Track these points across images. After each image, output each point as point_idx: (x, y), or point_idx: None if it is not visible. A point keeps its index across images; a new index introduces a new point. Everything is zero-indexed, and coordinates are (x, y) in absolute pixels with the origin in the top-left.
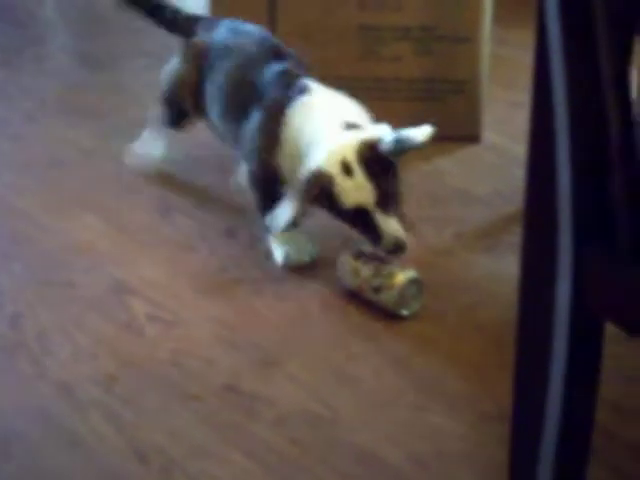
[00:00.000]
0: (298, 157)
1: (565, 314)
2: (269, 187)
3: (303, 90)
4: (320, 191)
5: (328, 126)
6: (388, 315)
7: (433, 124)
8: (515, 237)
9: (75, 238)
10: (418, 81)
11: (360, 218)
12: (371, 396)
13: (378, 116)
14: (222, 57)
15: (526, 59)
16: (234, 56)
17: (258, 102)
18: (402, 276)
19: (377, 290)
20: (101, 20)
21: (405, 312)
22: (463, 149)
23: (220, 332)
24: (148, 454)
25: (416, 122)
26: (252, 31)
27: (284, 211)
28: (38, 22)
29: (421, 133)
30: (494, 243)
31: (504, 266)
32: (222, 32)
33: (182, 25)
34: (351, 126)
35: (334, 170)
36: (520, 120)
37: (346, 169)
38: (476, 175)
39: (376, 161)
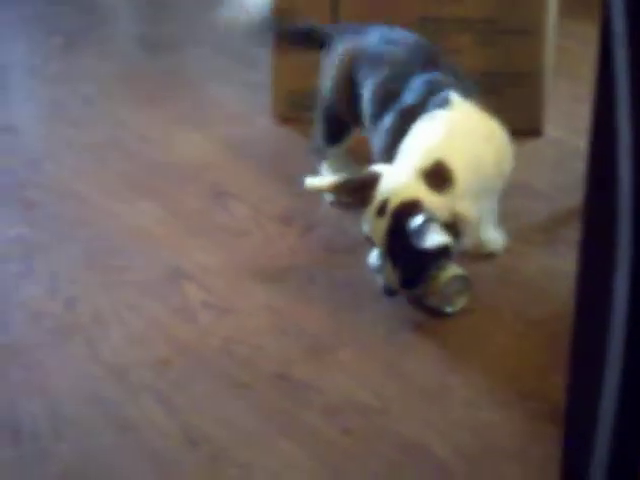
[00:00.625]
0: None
1: (622, 311)
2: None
3: (444, 102)
4: (356, 198)
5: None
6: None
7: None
8: (574, 232)
9: (131, 222)
10: (481, 73)
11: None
12: (421, 389)
13: None
14: (374, 65)
15: (592, 52)
16: (385, 64)
17: (396, 106)
18: (443, 275)
19: (423, 296)
20: (164, 5)
21: (449, 309)
22: (525, 142)
23: (272, 320)
24: (198, 440)
25: None
26: (405, 38)
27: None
28: (102, 7)
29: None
30: (552, 238)
31: (561, 261)
32: (373, 39)
33: (323, 39)
34: (435, 174)
35: (374, 199)
36: (584, 114)
37: (381, 208)
38: (537, 169)
39: (406, 228)
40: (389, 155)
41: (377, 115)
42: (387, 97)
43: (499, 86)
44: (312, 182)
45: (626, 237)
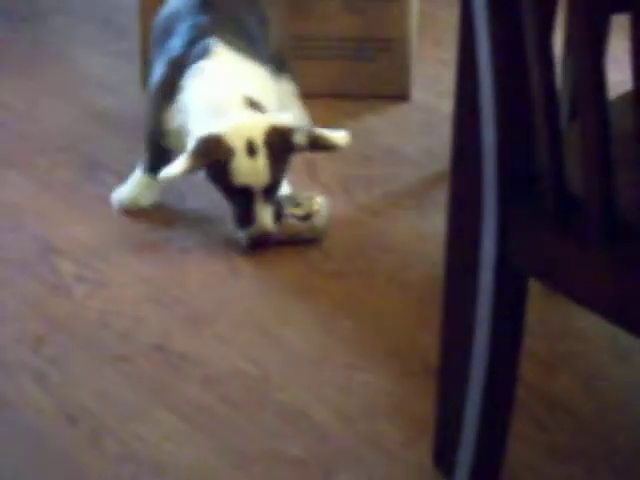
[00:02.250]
0: (187, 121)
1: (490, 272)
2: (155, 136)
3: (205, 51)
4: (215, 158)
5: (227, 98)
6: (316, 272)
7: (361, 83)
8: (443, 195)
9: (0, 198)
10: (347, 40)
11: (241, 198)
12: (299, 354)
13: (309, 75)
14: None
15: (453, 17)
16: (171, 5)
17: (165, 55)
18: (318, 198)
19: (306, 218)
20: None
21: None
22: (392, 108)
23: (149, 292)
24: (77, 416)
25: (345, 82)
26: None
27: (176, 165)
28: None
29: (338, 137)
30: (422, 202)
31: (432, 225)
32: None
33: None
34: (254, 105)
35: (237, 144)
36: (449, 78)
37: (250, 149)
38: (405, 134)
39: (281, 150)
40: (162, 111)
41: (153, 55)
42: (160, 38)
43: (367, 51)
44: (166, 174)
45: (492, 199)
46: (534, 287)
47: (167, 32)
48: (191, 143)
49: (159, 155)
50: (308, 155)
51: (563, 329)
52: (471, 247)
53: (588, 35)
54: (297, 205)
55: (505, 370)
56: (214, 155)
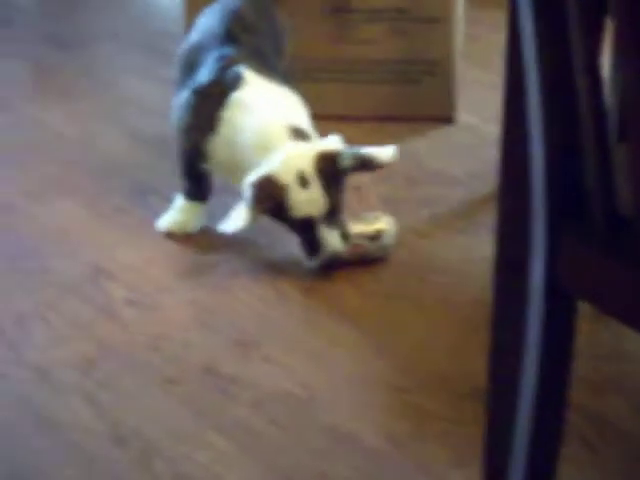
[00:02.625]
0: (235, 154)
1: (539, 295)
2: (193, 165)
3: (237, 80)
4: (272, 200)
5: (274, 130)
6: (363, 296)
7: (407, 106)
8: (490, 218)
9: (52, 223)
10: (392, 63)
11: (306, 228)
12: (349, 377)
13: (354, 98)
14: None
15: (501, 40)
16: (196, 32)
17: (191, 85)
18: (385, 217)
19: (375, 237)
20: (72, 1)
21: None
22: (438, 130)
23: (197, 315)
24: (127, 438)
25: (390, 104)
26: (221, 8)
27: (237, 217)
28: (9, 5)
29: (384, 154)
30: (469, 224)
31: (479, 247)
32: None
33: None
34: (299, 133)
35: (289, 180)
36: (495, 101)
37: (302, 180)
38: (451, 156)
39: (332, 175)
40: (201, 136)
41: (179, 84)
42: (187, 67)
43: (412, 74)
44: (229, 228)
45: (540, 222)
46: (583, 307)
47: (193, 63)
48: (246, 191)
49: (199, 182)
50: (355, 178)
51: (612, 351)
52: (520, 270)
53: (637, 51)
54: (367, 224)
55: (555, 394)
56: (270, 198)
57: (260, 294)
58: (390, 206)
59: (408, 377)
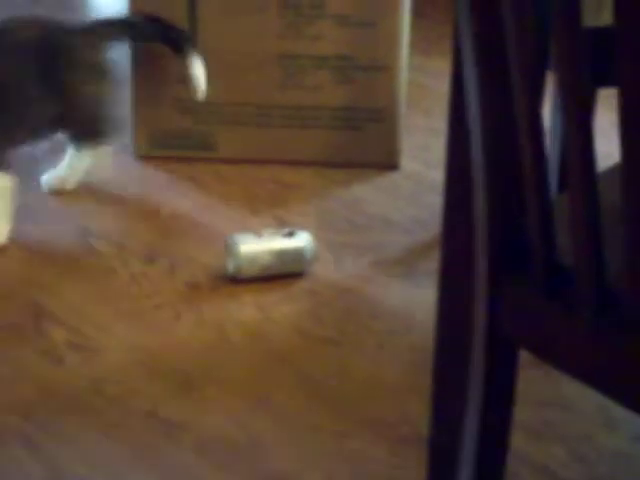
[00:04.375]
0: None
1: (481, 341)
2: None
3: None
4: None
5: None
6: (308, 339)
7: (351, 152)
8: (433, 264)
9: None
10: (337, 109)
11: None
12: (291, 421)
13: (298, 143)
14: None
15: (444, 87)
16: None
17: None
18: (302, 234)
19: (291, 233)
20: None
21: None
22: (382, 176)
23: (140, 358)
24: None
25: (336, 151)
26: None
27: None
28: None
29: None
30: (412, 270)
31: (421, 292)
32: None
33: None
34: None
35: None
36: (437, 148)
37: None
38: (394, 202)
39: None
40: None
41: None
42: None
43: (357, 121)
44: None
45: (483, 268)
46: (523, 354)
47: None
48: None
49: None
50: (296, 223)
51: (552, 397)
52: (462, 315)
53: (576, 110)
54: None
55: (496, 439)
56: None
57: (201, 337)
58: (333, 251)
59: (350, 422)
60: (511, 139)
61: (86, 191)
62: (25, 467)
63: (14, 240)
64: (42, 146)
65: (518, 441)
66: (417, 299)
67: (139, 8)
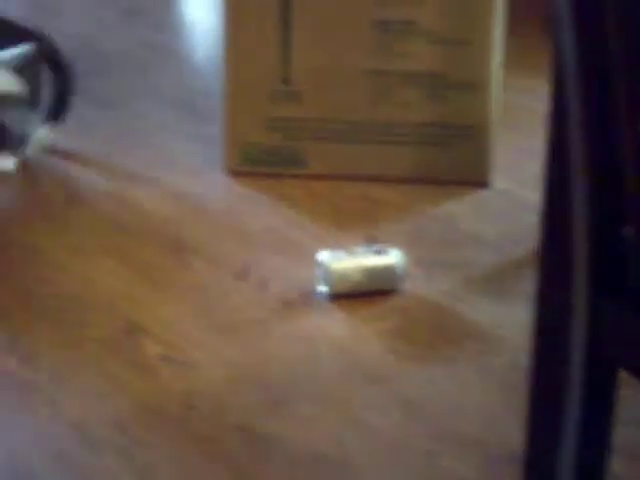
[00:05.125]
0: None
1: (579, 362)
2: None
3: None
4: None
5: None
6: (398, 357)
7: (442, 169)
8: (524, 282)
9: (89, 278)
10: (428, 126)
11: None
12: (382, 439)
13: (389, 160)
14: None
15: (534, 105)
16: None
17: None
18: (393, 251)
19: (381, 251)
20: (111, 60)
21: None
22: (473, 194)
23: (233, 373)
24: None
25: (426, 167)
26: None
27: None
28: None
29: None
30: (503, 288)
31: (512, 310)
32: None
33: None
34: None
35: None
36: (528, 165)
37: None
38: (486, 220)
39: None
40: None
41: None
42: None
43: (447, 138)
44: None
45: (582, 288)
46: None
47: None
48: None
49: None
50: (386, 240)
51: None
52: (559, 335)
53: None
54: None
55: (595, 462)
56: None
57: (294, 353)
58: (423, 269)
59: (442, 441)
60: (614, 160)
61: (178, 206)
62: (115, 476)
63: (108, 254)
64: None
65: (614, 463)
66: (508, 317)
67: (234, 27)
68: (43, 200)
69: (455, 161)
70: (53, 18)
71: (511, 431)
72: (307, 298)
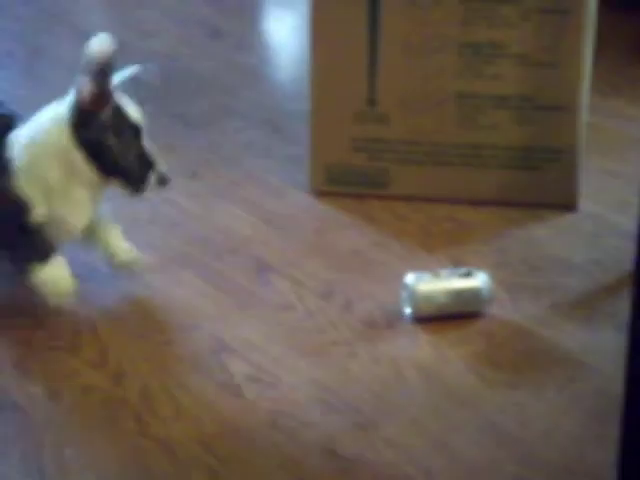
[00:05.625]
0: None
1: None
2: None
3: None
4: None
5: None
6: (484, 381)
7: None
8: (613, 308)
9: (175, 296)
10: (515, 149)
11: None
12: (470, 464)
13: (475, 182)
14: None
15: (622, 128)
16: None
17: None
18: (479, 273)
19: (467, 274)
20: (199, 82)
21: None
22: (560, 217)
23: (317, 394)
24: None
25: (513, 190)
26: None
27: None
28: (138, 82)
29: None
30: (592, 313)
31: (602, 337)
32: None
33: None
34: None
35: None
36: (616, 189)
37: None
38: (573, 244)
39: None
40: None
41: None
42: None
43: (535, 161)
44: None
45: None
46: None
47: None
48: None
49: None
50: (472, 262)
51: None
52: None
53: None
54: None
55: None
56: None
57: (378, 375)
58: (510, 292)
59: (528, 467)
60: None
61: (264, 226)
62: None
63: (193, 273)
64: None
65: None
66: (597, 343)
67: (320, 47)
68: (129, 218)
69: (542, 184)
70: (142, 38)
71: (601, 461)
72: (392, 320)
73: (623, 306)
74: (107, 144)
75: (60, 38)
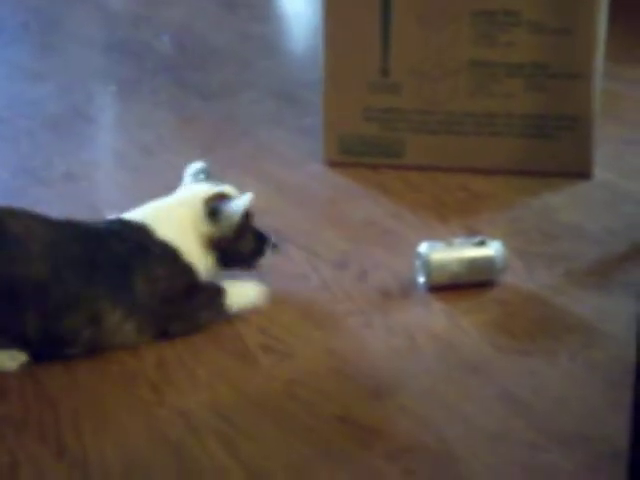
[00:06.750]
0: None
1: None
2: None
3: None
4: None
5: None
6: (499, 349)
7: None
8: (627, 275)
9: None
10: (529, 117)
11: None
12: (484, 432)
13: (489, 151)
14: None
15: (637, 95)
16: None
17: None
18: (492, 242)
19: (481, 243)
20: (214, 53)
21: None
22: (574, 185)
23: (332, 363)
24: None
25: (526, 159)
26: None
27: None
28: (154, 55)
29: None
30: (606, 281)
31: (615, 304)
32: None
33: None
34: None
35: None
36: (632, 157)
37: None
38: (587, 212)
39: None
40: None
41: None
42: None
43: (549, 129)
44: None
45: None
46: None
47: None
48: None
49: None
50: (486, 232)
51: None
52: None
53: None
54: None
55: None
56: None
57: (393, 344)
58: (524, 260)
59: (542, 434)
60: None
61: (278, 196)
62: (224, 466)
63: None
64: None
65: None
66: (611, 311)
67: (333, 18)
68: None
69: (556, 152)
70: (157, 10)
71: (615, 427)
72: (406, 289)
73: (637, 273)
74: (240, 251)
75: (76, 11)
